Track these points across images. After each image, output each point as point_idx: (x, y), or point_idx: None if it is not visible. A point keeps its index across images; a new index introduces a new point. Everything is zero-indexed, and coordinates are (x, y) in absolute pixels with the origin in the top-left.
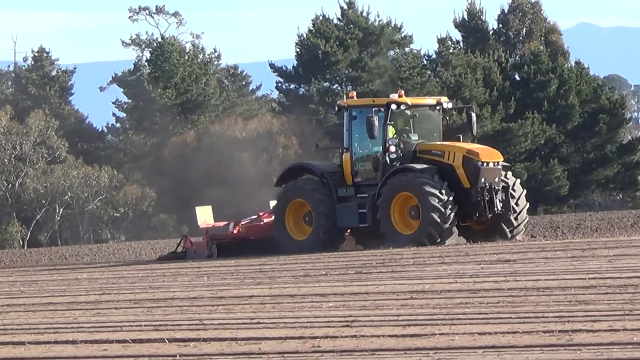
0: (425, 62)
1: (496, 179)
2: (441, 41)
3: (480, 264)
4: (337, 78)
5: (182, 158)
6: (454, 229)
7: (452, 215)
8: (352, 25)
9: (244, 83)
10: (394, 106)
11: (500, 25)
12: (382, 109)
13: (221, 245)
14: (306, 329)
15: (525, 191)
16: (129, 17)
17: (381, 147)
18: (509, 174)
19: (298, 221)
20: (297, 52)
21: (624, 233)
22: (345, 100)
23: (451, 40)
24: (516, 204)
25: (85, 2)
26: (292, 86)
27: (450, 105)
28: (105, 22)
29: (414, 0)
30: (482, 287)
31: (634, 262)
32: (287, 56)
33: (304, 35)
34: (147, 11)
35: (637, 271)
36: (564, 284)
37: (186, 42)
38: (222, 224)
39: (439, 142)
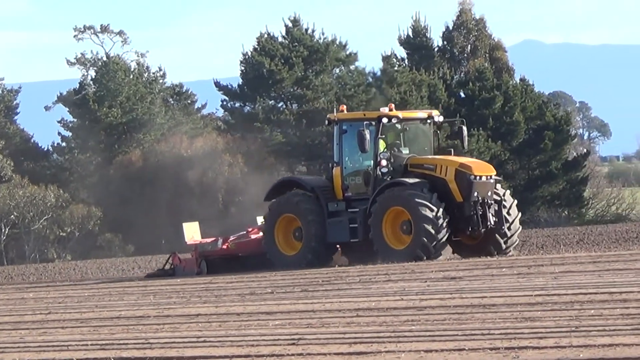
0: (370, 79)
1: (489, 193)
2: (386, 58)
3: (426, 281)
4: (282, 96)
5: (128, 177)
6: (447, 245)
7: (444, 228)
8: (297, 43)
9: (189, 102)
10: (385, 120)
11: (445, 42)
12: (374, 123)
13: (210, 261)
14: (252, 347)
15: (515, 201)
16: (74, 36)
17: (372, 161)
18: (507, 193)
19: (288, 236)
20: (242, 71)
21: (569, 249)
22: (335, 114)
23: (396, 58)
24: (508, 213)
25: (30, 22)
26: (237, 104)
27: (441, 118)
28: (50, 41)
29: (359, 18)
30: (428, 305)
31: (579, 278)
32: (232, 74)
33: (249, 54)
34: (92, 30)
35: (583, 288)
36: (510, 300)
37: (131, 61)
38: (209, 240)
39: (430, 156)
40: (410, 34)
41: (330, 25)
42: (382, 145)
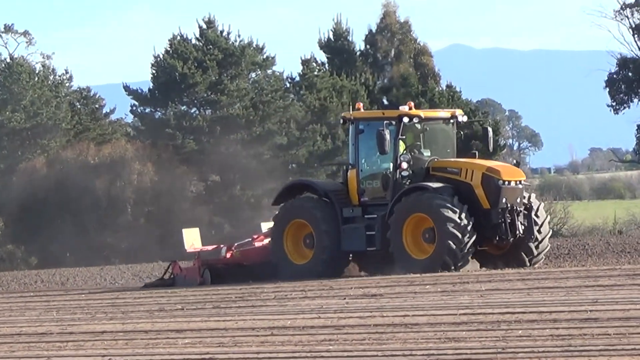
0: (288, 84)
1: (518, 200)
2: (305, 63)
3: (345, 298)
4: (195, 101)
5: (32, 185)
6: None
7: (470, 242)
8: (211, 46)
9: (96, 106)
10: (406, 119)
11: (368, 46)
12: (394, 122)
13: (213, 270)
14: None
15: (548, 217)
16: None
17: (392, 164)
18: (533, 196)
19: (298, 243)
20: (153, 74)
21: (498, 266)
22: (351, 112)
23: (316, 62)
24: (539, 231)
25: None
26: (147, 110)
27: (465, 118)
28: None
29: (277, 20)
30: (346, 323)
31: (507, 296)
32: (143, 78)
33: (161, 56)
34: None
35: (510, 306)
36: (434, 320)
37: (36, 63)
38: (210, 247)
39: (455, 159)
40: (331, 37)
41: (247, 27)
42: (401, 147)
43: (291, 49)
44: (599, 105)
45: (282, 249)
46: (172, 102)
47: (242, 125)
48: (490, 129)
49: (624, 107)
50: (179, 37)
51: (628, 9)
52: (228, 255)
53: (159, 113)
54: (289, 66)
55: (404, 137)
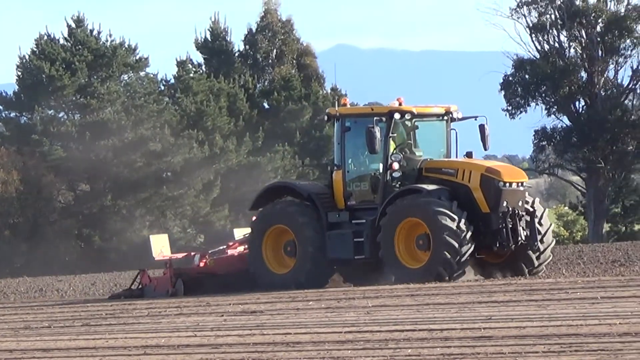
0: (162, 87)
1: (519, 203)
2: (181, 64)
3: (222, 315)
4: (64, 105)
5: None
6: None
7: (469, 243)
8: (80, 46)
9: None
10: (397, 115)
11: (248, 47)
12: (384, 119)
13: (186, 280)
14: None
15: (552, 225)
16: None
17: (381, 164)
18: (537, 201)
19: (278, 252)
20: (18, 76)
21: (386, 282)
22: (336, 108)
23: (192, 63)
24: (541, 240)
25: None
26: (12, 114)
27: (460, 115)
28: None
29: (151, 19)
30: (224, 342)
31: (395, 313)
32: (7, 80)
33: (27, 57)
34: None
35: (399, 324)
36: (317, 338)
37: None
38: (180, 255)
39: (450, 159)
40: (209, 36)
41: (118, 26)
42: (391, 146)
43: (166, 50)
44: (493, 109)
45: (261, 257)
46: (38, 106)
47: (114, 131)
48: (486, 126)
49: (521, 112)
50: (46, 37)
51: (525, 7)
52: (201, 264)
53: (25, 118)
54: (163, 68)
55: (395, 135)
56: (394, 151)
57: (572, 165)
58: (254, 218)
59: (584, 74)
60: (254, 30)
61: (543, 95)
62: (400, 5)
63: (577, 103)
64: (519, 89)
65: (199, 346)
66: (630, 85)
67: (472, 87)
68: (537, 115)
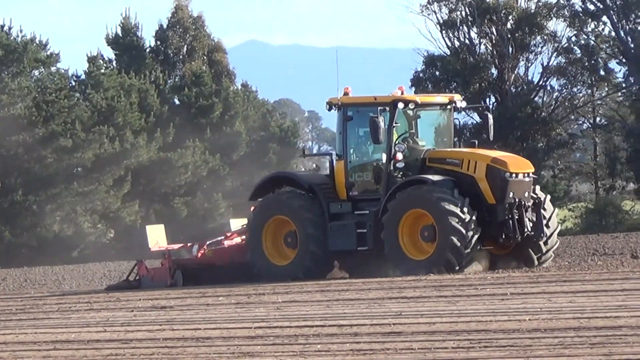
0: (73, 83)
1: (526, 194)
2: (91, 60)
3: (132, 310)
4: None
5: None
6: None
7: (475, 238)
8: None
9: None
10: (401, 105)
11: (159, 43)
12: (387, 108)
13: (185, 271)
14: None
15: (556, 210)
16: None
17: (384, 154)
18: (538, 188)
19: (278, 242)
20: None
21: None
22: (338, 97)
23: (103, 59)
24: (546, 225)
25: None
26: None
27: (464, 104)
28: None
29: (62, 14)
30: (134, 337)
31: (305, 309)
32: None
33: None
34: None
35: (308, 319)
36: (227, 333)
37: None
38: (176, 246)
39: (455, 149)
40: (119, 32)
41: (29, 21)
42: (394, 136)
43: (77, 45)
44: None
45: (261, 248)
46: None
47: (24, 127)
48: (490, 116)
49: None
50: None
51: (435, 3)
52: (199, 254)
53: None
54: (74, 63)
55: (398, 124)
56: (397, 141)
57: None
58: (253, 208)
59: (494, 71)
60: (164, 26)
61: (453, 91)
62: (311, 2)
63: (487, 100)
64: (430, 85)
65: (108, 341)
66: (540, 82)
67: (382, 84)
68: None
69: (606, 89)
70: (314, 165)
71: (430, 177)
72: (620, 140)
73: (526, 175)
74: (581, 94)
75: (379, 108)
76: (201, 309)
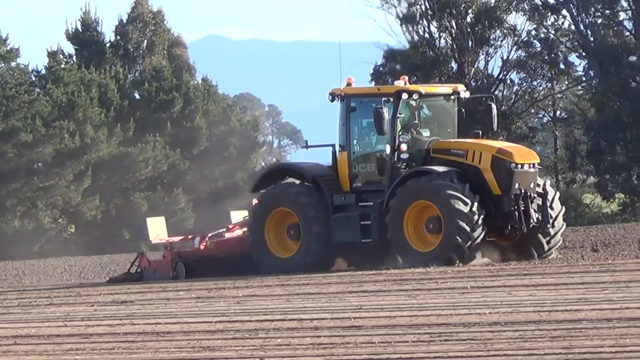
0: (33, 78)
1: (531, 185)
2: (52, 55)
3: (93, 305)
4: None
5: None
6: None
7: (480, 226)
8: None
9: None
10: (405, 95)
11: (119, 37)
12: (391, 99)
13: (188, 264)
14: None
15: (558, 193)
16: None
17: (388, 145)
18: (547, 183)
19: (280, 235)
20: None
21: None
22: (341, 88)
23: (63, 54)
24: (552, 225)
25: None
26: None
27: (467, 94)
28: None
29: (22, 9)
30: (94, 332)
31: (265, 303)
32: None
33: None
34: None
35: (269, 313)
36: (187, 328)
37: None
38: (177, 238)
39: (459, 140)
40: (79, 27)
41: None
42: (398, 126)
43: (37, 40)
44: None
45: (263, 241)
46: None
47: None
48: (494, 106)
49: None
50: None
51: None
52: (201, 246)
53: None
54: (34, 58)
55: (402, 115)
56: (401, 132)
57: None
58: (255, 200)
59: (454, 65)
60: (124, 21)
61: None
62: None
63: None
64: (390, 79)
65: (69, 336)
66: (500, 76)
67: (342, 77)
68: None
69: (566, 82)
70: (274, 160)
71: (436, 168)
72: (581, 133)
73: (531, 166)
74: (541, 88)
75: (382, 99)
76: (161, 303)
